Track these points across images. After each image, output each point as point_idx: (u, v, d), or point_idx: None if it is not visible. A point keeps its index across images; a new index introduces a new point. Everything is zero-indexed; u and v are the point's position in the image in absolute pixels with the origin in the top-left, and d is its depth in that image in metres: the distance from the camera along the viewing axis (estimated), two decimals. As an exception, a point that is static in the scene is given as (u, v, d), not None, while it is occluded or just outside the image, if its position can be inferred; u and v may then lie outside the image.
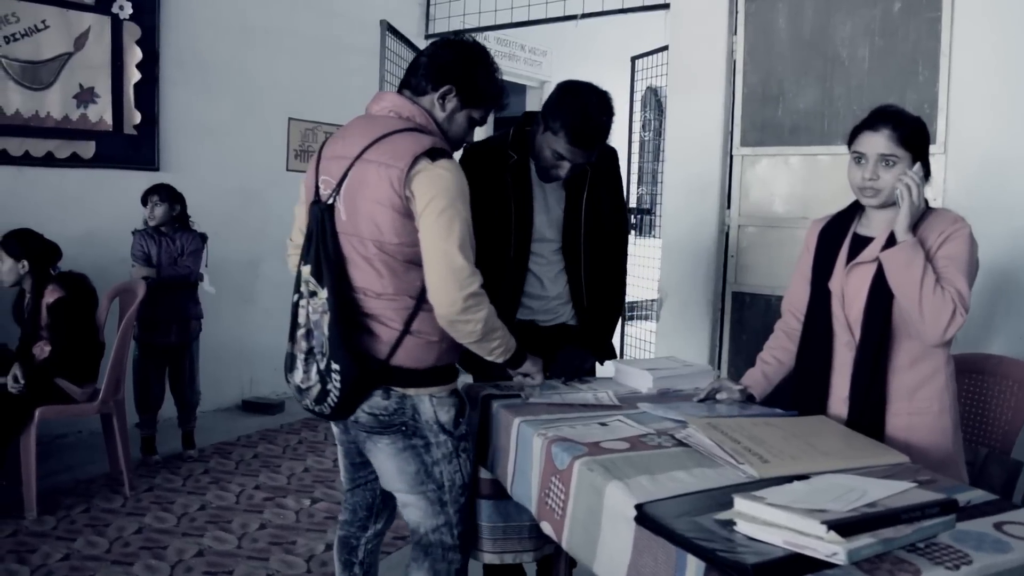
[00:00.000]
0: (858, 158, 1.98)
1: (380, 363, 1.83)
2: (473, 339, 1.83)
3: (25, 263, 3.49)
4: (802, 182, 3.63)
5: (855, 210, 2.10)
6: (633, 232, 6.24)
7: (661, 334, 4.25)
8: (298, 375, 1.90)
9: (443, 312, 1.77)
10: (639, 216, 6.92)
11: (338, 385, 1.79)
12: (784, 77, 3.67)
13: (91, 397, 3.55)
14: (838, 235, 2.09)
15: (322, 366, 1.82)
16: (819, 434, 1.81)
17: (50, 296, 3.47)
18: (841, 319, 2.02)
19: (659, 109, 7.51)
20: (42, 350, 3.52)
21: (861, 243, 2.03)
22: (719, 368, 3.92)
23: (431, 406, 1.88)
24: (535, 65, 7.52)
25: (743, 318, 3.85)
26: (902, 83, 3.35)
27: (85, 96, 4.39)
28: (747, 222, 3.82)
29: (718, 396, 2.15)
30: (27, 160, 4.22)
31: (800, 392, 2.16)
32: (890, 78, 3.39)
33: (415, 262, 1.79)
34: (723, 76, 3.85)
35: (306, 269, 1.85)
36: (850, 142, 2.03)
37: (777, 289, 3.66)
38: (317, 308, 1.82)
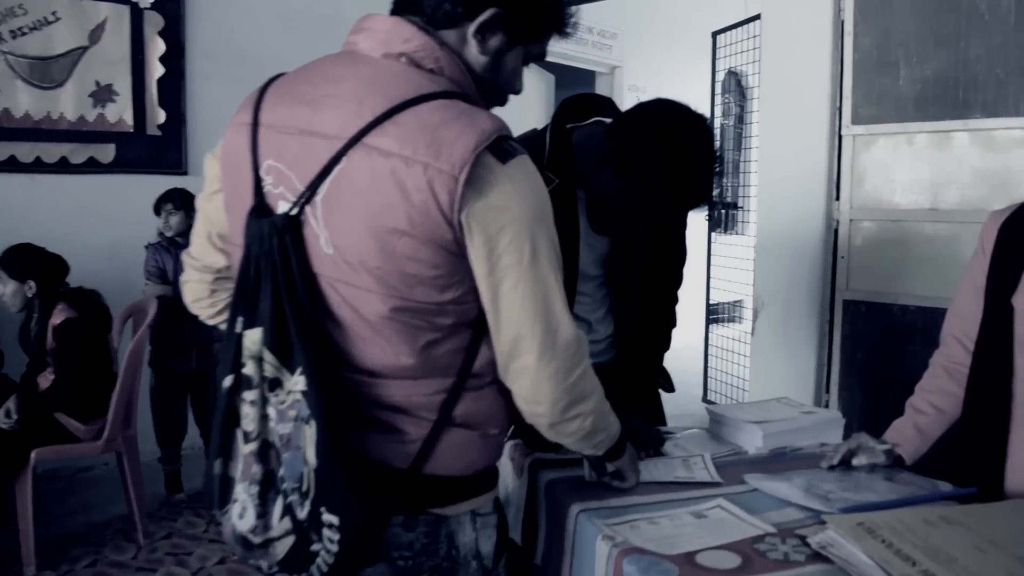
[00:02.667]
0: None
1: (402, 475, 1.12)
2: (578, 437, 1.19)
3: (32, 284, 3.08)
4: (931, 166, 2.96)
5: (1056, 198, 1.47)
6: (716, 230, 5.61)
7: (757, 350, 3.62)
8: (245, 517, 1.11)
9: (543, 411, 1.13)
10: (722, 211, 6.27)
11: (334, 548, 1.06)
12: (906, 38, 3.00)
13: (97, 434, 3.10)
14: (1030, 231, 1.47)
15: (301, 513, 1.07)
16: (1029, 537, 1.20)
17: (58, 317, 3.04)
18: None
19: (740, 94, 6.85)
20: (47, 379, 3.10)
21: (1068, 244, 1.41)
22: (828, 392, 3.27)
23: (472, 530, 1.20)
24: (604, 49, 6.90)
25: (857, 331, 3.19)
26: (1061, 38, 2.66)
27: (102, 94, 3.97)
28: (861, 216, 3.16)
29: (855, 461, 1.55)
30: (39, 167, 3.82)
31: (969, 453, 1.54)
32: (1044, 33, 2.70)
33: (464, 323, 1.12)
34: (829, 41, 3.19)
35: (253, 335, 1.08)
36: None
37: (901, 296, 3.01)
38: (287, 411, 1.07)
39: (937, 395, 1.61)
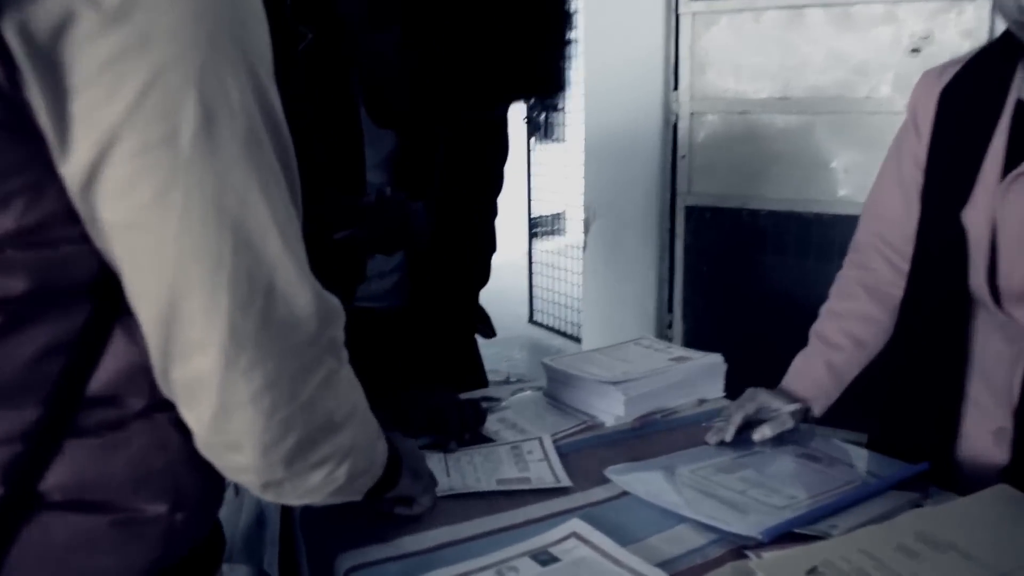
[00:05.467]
0: None
1: None
2: (328, 491, 0.62)
3: None
4: (781, 48, 2.54)
5: (1014, 55, 1.01)
6: (536, 136, 5.16)
7: (590, 269, 3.17)
8: None
9: (246, 462, 0.56)
10: (538, 115, 5.80)
11: None
12: None
13: None
14: (983, 104, 1.01)
15: None
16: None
17: None
18: (983, 279, 0.97)
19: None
20: None
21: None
22: (671, 312, 2.88)
23: None
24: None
25: (701, 241, 2.79)
26: None
27: None
28: (703, 108, 2.72)
29: (757, 436, 1.09)
30: None
31: (905, 407, 1.12)
32: None
33: (63, 290, 0.53)
34: None
35: None
36: None
37: (749, 200, 2.63)
38: None
39: (856, 322, 1.16)
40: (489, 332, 1.41)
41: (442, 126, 1.13)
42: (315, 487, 0.60)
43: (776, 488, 0.94)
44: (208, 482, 0.63)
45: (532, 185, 5.06)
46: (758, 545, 0.82)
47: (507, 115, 1.30)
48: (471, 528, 0.89)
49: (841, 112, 2.43)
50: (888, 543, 0.77)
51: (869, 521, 0.85)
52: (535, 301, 5.03)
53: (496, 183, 1.33)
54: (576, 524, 0.88)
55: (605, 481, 0.99)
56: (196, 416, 0.54)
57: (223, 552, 0.71)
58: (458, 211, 1.25)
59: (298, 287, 0.54)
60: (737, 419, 1.09)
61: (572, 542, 0.85)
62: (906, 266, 1.10)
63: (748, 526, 0.84)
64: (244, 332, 0.51)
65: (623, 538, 0.85)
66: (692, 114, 2.74)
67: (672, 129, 2.79)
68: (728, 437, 1.07)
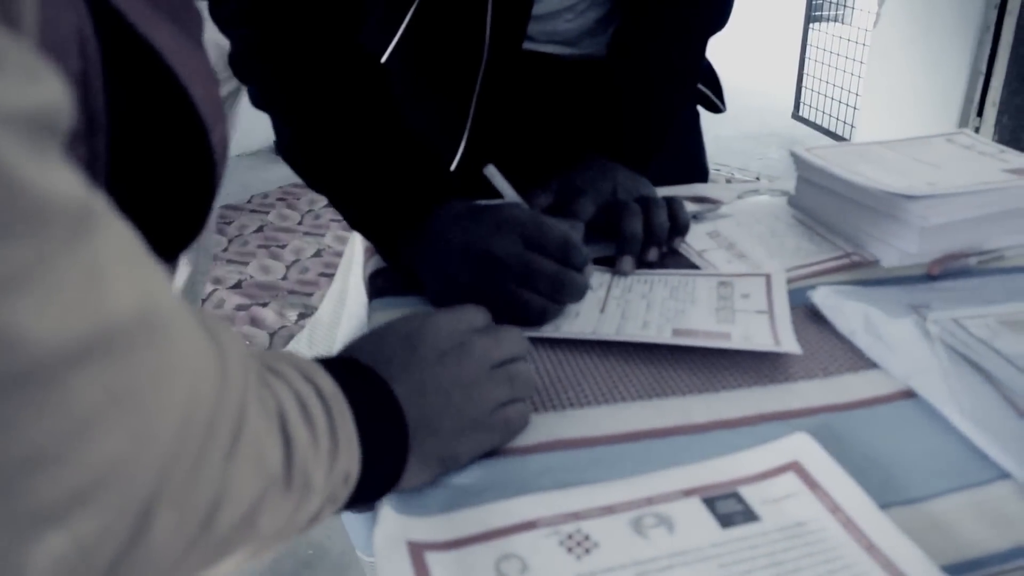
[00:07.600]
0: None
1: None
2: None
3: None
4: None
5: None
6: None
7: (880, 51, 2.52)
8: None
9: None
10: None
11: None
12: None
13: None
14: None
15: None
16: None
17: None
18: None
19: None
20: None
21: None
22: (980, 116, 2.22)
23: None
24: None
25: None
26: None
27: None
28: None
29: None
30: None
31: None
32: None
33: None
34: None
35: None
36: None
37: None
38: None
39: None
40: (715, 104, 0.96)
41: None
42: None
43: None
44: None
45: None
46: None
47: None
48: (604, 419, 0.51)
49: None
50: None
51: None
52: (803, 93, 4.33)
53: None
54: (801, 446, 0.48)
55: (870, 365, 0.57)
56: None
57: None
58: None
59: None
60: None
61: (788, 482, 0.46)
62: None
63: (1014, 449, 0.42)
64: None
65: (886, 490, 0.44)
66: None
67: None
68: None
